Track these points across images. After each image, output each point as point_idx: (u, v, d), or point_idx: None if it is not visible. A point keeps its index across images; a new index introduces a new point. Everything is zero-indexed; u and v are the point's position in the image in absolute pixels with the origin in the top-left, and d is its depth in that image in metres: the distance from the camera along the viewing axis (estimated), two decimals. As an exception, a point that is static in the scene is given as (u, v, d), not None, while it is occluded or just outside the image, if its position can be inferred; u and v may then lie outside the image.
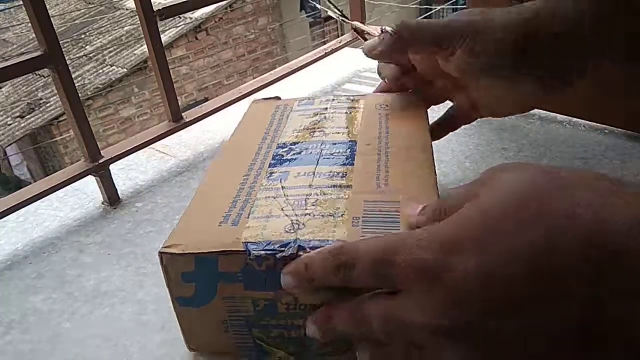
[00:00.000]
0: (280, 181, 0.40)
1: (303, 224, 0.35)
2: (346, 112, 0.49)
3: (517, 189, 0.24)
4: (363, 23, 1.01)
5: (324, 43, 1.08)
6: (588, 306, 0.21)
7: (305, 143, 0.46)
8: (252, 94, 0.82)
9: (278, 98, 0.56)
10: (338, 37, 1.03)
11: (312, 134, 0.47)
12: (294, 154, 0.44)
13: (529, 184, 0.24)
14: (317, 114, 0.50)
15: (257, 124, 0.51)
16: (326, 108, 0.51)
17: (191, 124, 0.74)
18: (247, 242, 0.34)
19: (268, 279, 0.34)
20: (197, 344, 0.40)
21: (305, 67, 0.92)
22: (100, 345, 0.44)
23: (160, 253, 0.35)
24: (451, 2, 8.34)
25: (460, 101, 0.49)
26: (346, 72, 0.99)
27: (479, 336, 0.23)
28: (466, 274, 0.23)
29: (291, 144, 0.46)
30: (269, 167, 0.43)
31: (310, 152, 0.44)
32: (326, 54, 0.96)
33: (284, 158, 0.44)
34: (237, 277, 0.34)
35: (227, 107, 0.79)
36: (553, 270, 0.21)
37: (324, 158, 0.43)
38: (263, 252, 0.33)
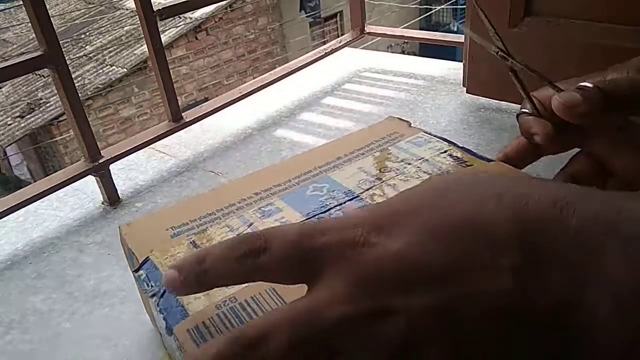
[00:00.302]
0: (260, 217, 0.38)
1: None
2: (420, 178, 0.41)
3: (450, 179, 0.25)
4: (364, 23, 1.01)
5: (324, 43, 1.08)
6: (510, 279, 0.20)
7: (337, 189, 0.40)
8: (252, 94, 0.82)
9: (409, 124, 0.49)
10: (338, 37, 1.03)
11: (360, 183, 0.41)
12: (312, 195, 0.40)
13: (465, 175, 0.25)
14: (401, 163, 0.43)
15: (350, 143, 0.46)
16: (420, 158, 0.43)
17: (191, 124, 0.74)
18: (150, 259, 0.34)
19: (154, 303, 0.32)
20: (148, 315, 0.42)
21: (305, 67, 0.92)
22: (100, 345, 0.44)
23: (119, 226, 0.38)
24: (451, 2, 8.34)
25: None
26: (346, 72, 0.99)
27: (404, 313, 0.21)
28: (389, 250, 0.22)
29: (326, 182, 0.41)
30: (279, 197, 0.40)
31: (322, 202, 0.39)
32: (326, 54, 0.96)
33: (302, 194, 0.40)
34: (141, 282, 0.34)
35: (227, 107, 0.79)
36: (475, 244, 0.21)
37: (321, 215, 0.37)
38: (145, 275, 0.33)
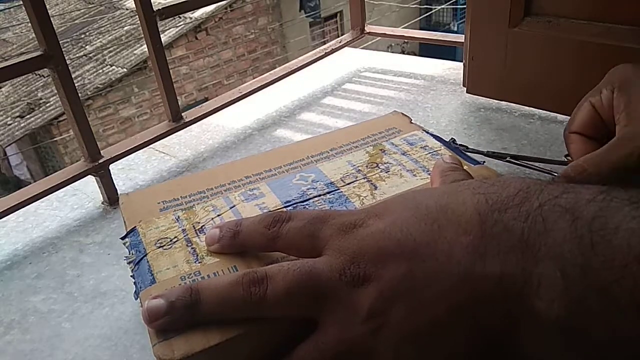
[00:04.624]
0: (243, 200, 0.38)
1: (169, 247, 0.34)
2: (414, 175, 0.40)
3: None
4: (364, 23, 1.01)
5: (324, 43, 1.08)
6: (466, 252, 0.23)
7: (321, 180, 0.40)
8: (252, 93, 0.82)
9: (410, 120, 0.49)
10: (338, 37, 1.03)
11: (344, 176, 0.40)
12: (296, 183, 0.40)
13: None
14: (388, 159, 0.42)
15: (348, 135, 0.46)
16: (407, 156, 0.42)
17: (191, 124, 0.74)
18: (136, 229, 0.36)
19: (130, 270, 0.34)
20: None
21: (305, 67, 0.92)
22: (100, 345, 0.44)
23: (119, 195, 0.41)
24: (451, 2, 8.34)
25: None
26: (346, 72, 0.99)
27: (385, 279, 0.25)
28: (377, 228, 0.26)
29: (312, 172, 0.41)
30: (266, 182, 0.40)
31: (303, 191, 0.39)
32: (326, 54, 0.96)
33: (288, 182, 0.40)
34: (126, 250, 0.36)
35: (227, 107, 0.79)
36: (444, 224, 0.25)
37: (299, 204, 0.38)
38: (129, 243, 0.35)
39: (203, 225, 0.36)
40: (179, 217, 0.37)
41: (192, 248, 0.34)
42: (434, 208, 0.25)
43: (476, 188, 0.25)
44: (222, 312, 0.27)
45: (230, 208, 0.38)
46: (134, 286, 0.32)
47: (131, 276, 0.33)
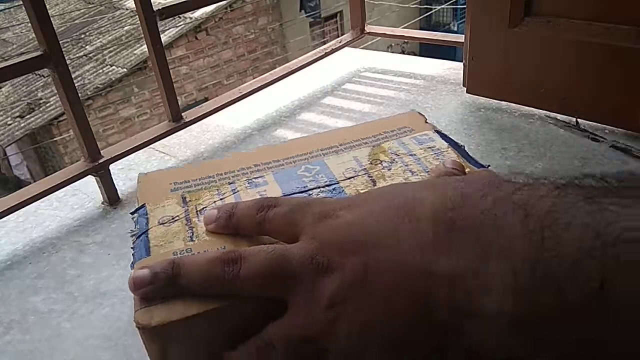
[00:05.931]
0: (246, 187, 0.39)
1: (169, 224, 0.36)
2: (415, 174, 0.41)
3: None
4: (364, 23, 1.01)
5: (324, 43, 1.08)
6: (425, 253, 0.24)
7: (324, 174, 0.41)
8: (252, 93, 0.82)
9: (425, 120, 0.48)
10: (338, 37, 1.03)
11: (346, 171, 0.41)
12: (300, 175, 0.41)
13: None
14: (394, 158, 0.42)
15: (362, 131, 0.46)
16: (413, 155, 0.43)
17: (191, 124, 0.74)
18: (145, 206, 0.37)
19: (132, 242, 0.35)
20: None
21: (305, 67, 0.92)
22: (100, 345, 0.44)
23: (139, 174, 0.41)
24: (451, 2, 8.34)
25: None
26: (346, 72, 0.99)
27: (349, 267, 0.26)
28: (346, 220, 0.27)
29: (318, 165, 0.42)
30: (272, 172, 0.41)
31: (304, 182, 0.40)
32: (326, 54, 0.96)
33: (292, 173, 0.41)
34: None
35: (227, 107, 0.79)
36: (404, 220, 0.25)
37: (297, 194, 0.39)
38: (137, 218, 0.37)
39: (204, 207, 0.37)
40: (185, 198, 0.38)
41: (190, 227, 0.35)
42: (398, 204, 0.27)
43: (435, 188, 0.26)
44: (199, 286, 0.28)
45: (234, 193, 0.39)
46: (132, 257, 0.33)
47: (131, 248, 0.34)
